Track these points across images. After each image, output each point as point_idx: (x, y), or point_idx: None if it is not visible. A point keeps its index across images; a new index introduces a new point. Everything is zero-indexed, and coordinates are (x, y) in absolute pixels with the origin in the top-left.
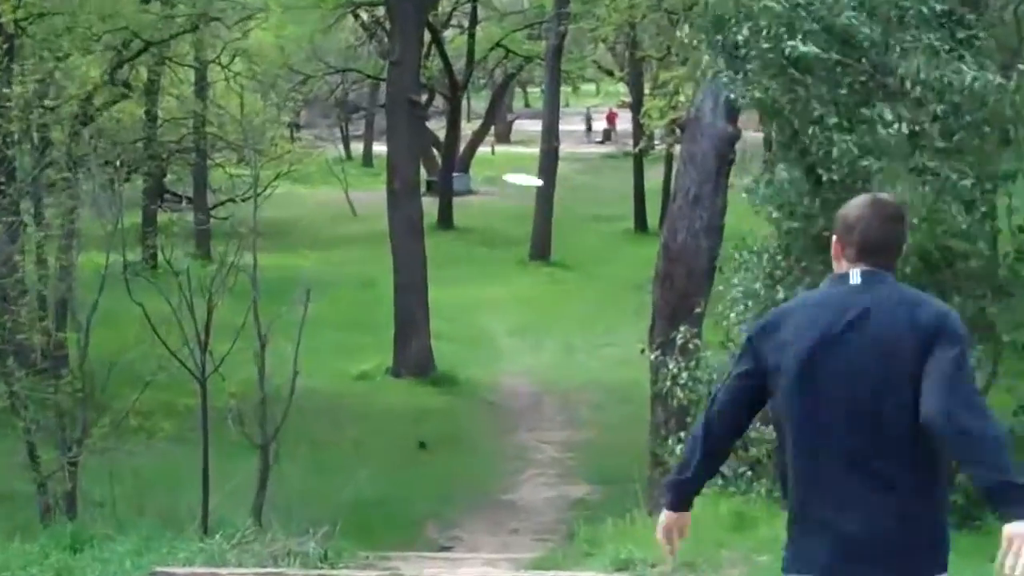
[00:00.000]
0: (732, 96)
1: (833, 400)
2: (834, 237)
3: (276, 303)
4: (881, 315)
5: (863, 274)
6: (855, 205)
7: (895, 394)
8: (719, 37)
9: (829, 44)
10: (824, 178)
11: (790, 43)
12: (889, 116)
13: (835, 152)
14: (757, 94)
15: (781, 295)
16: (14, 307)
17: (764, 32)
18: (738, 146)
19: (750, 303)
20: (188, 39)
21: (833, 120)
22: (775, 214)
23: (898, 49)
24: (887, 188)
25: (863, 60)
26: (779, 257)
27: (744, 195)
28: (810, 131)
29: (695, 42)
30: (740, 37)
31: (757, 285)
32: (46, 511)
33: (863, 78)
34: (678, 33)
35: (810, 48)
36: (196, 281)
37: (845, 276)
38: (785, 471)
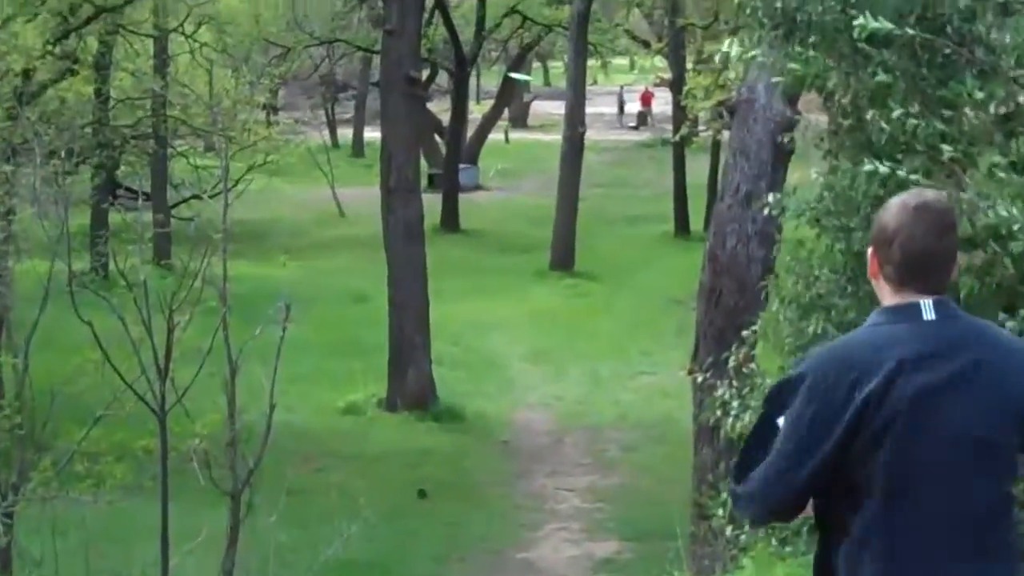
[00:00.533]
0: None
1: (934, 467)
2: (870, 250)
3: (250, 322)
4: (993, 367)
5: (936, 306)
6: (896, 209)
7: (1000, 460)
8: (767, 9)
9: (903, 13)
10: (886, 173)
11: (857, 22)
12: (980, 95)
13: (904, 135)
14: (794, 65)
15: (815, 327)
16: None
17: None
18: (798, 132)
19: (810, 324)
20: (146, 4)
21: (900, 99)
22: (810, 231)
23: (989, 16)
24: (968, 185)
25: (947, 29)
26: (824, 279)
27: (774, 213)
28: (871, 114)
29: (747, 9)
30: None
31: (791, 315)
32: None
33: (947, 50)
34: None
35: (882, 24)
36: (155, 295)
37: (913, 308)
38: (829, 554)
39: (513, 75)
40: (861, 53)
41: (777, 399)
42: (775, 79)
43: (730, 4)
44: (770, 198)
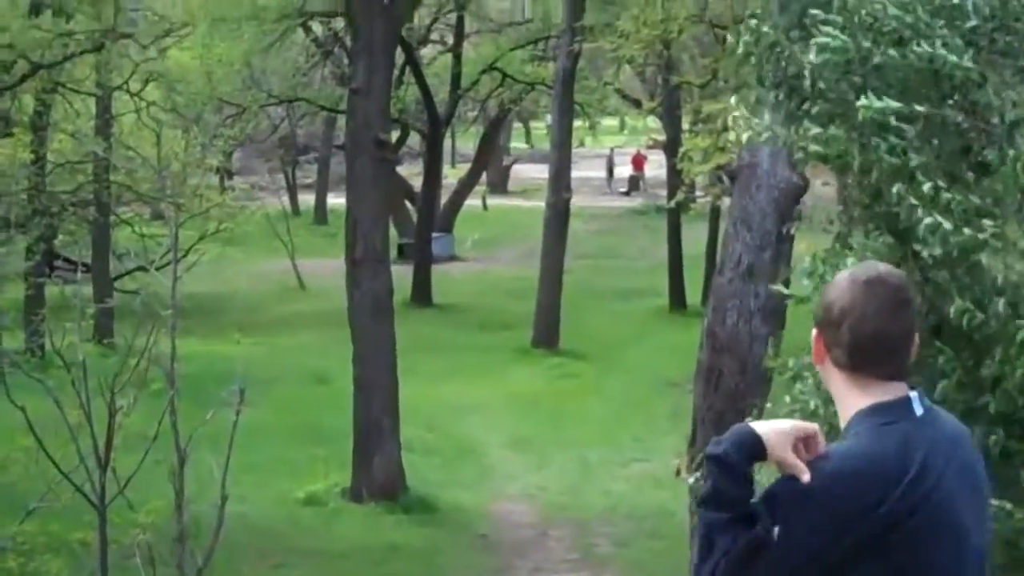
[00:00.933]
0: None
1: (951, 558)
2: (813, 332)
3: (201, 405)
4: (976, 468)
5: (921, 399)
6: (844, 284)
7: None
8: (772, 71)
9: (906, 87)
10: (920, 252)
11: (861, 103)
12: (995, 160)
13: (923, 227)
14: (814, 146)
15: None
16: None
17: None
18: (805, 201)
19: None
20: (88, 60)
21: (921, 182)
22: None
23: (1001, 81)
24: (999, 261)
25: (954, 99)
26: None
27: (805, 281)
28: (895, 190)
29: (746, 67)
30: (798, 71)
31: (813, 404)
32: None
33: (959, 120)
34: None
35: (887, 104)
36: (96, 376)
37: (905, 404)
38: None
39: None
40: (878, 126)
41: (772, 513)
42: (782, 146)
43: (730, 63)
44: (806, 262)
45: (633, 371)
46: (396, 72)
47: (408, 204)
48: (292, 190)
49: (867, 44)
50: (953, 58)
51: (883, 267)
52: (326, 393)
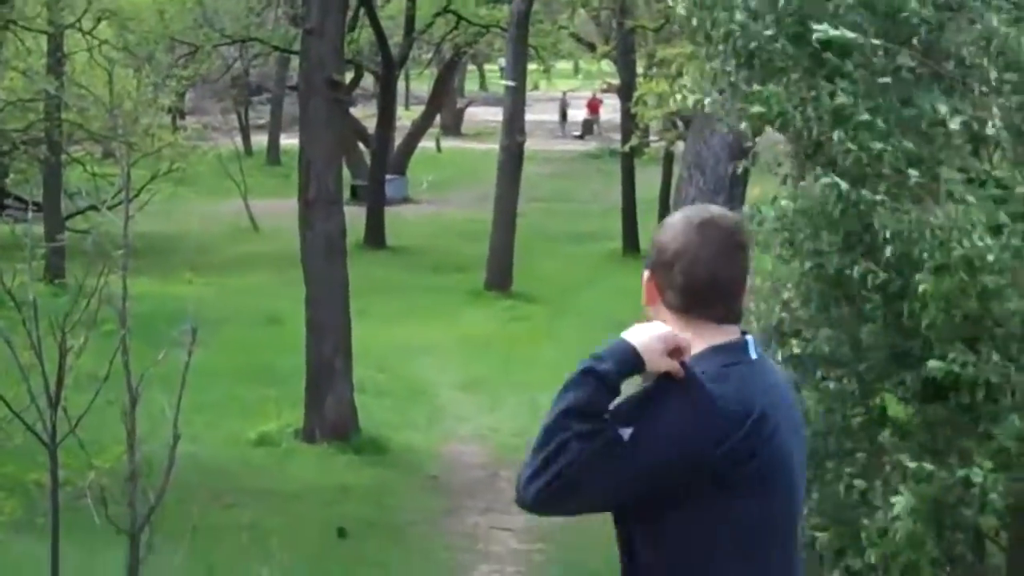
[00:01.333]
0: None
1: (785, 501)
2: (645, 273)
3: (152, 345)
4: (798, 414)
5: (755, 343)
6: (678, 226)
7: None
8: (711, 26)
9: (865, 23)
10: (854, 197)
11: (817, 28)
12: (943, 109)
13: (869, 158)
14: (755, 109)
15: (791, 351)
16: None
17: (767, 14)
18: (757, 147)
19: None
20: None
21: (864, 118)
22: (780, 251)
23: (958, 23)
24: (936, 206)
25: (913, 41)
26: (795, 304)
27: (756, 226)
28: (836, 135)
29: (688, 31)
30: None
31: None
32: None
33: (912, 63)
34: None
35: (842, 32)
36: (46, 316)
37: (742, 347)
38: None
39: (505, 82)
40: (822, 67)
41: (628, 416)
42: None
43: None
44: (746, 209)
45: (586, 314)
46: (350, 13)
47: (362, 146)
48: (245, 130)
49: None
50: (914, 4)
51: (716, 209)
52: (278, 334)
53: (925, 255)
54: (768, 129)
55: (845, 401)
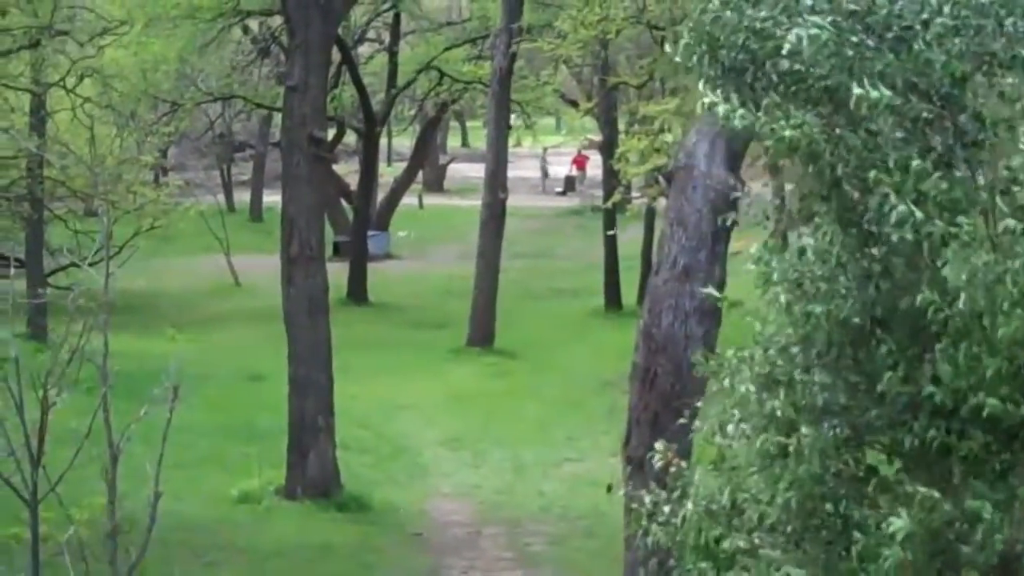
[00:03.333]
0: (745, 130)
1: None
2: None
3: (134, 402)
4: None
5: None
6: None
7: None
8: (723, 58)
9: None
10: (873, 243)
11: (857, 89)
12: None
13: (894, 216)
14: (788, 132)
15: (775, 405)
16: None
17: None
18: (742, 203)
19: (739, 414)
20: (23, 57)
21: (917, 163)
22: (783, 297)
23: (978, 78)
24: (955, 260)
25: (933, 96)
26: (794, 350)
27: (751, 267)
28: (871, 176)
29: (688, 64)
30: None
31: (744, 389)
32: None
33: (928, 115)
34: (667, 48)
35: (883, 93)
36: (28, 372)
37: None
38: None
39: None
40: (856, 120)
41: None
42: (719, 141)
43: (667, 62)
44: (754, 249)
45: (568, 371)
46: (333, 70)
47: (344, 202)
48: (227, 187)
49: (857, 38)
50: (943, 58)
51: None
52: (260, 391)
53: (1002, 301)
54: (752, 185)
55: (838, 448)
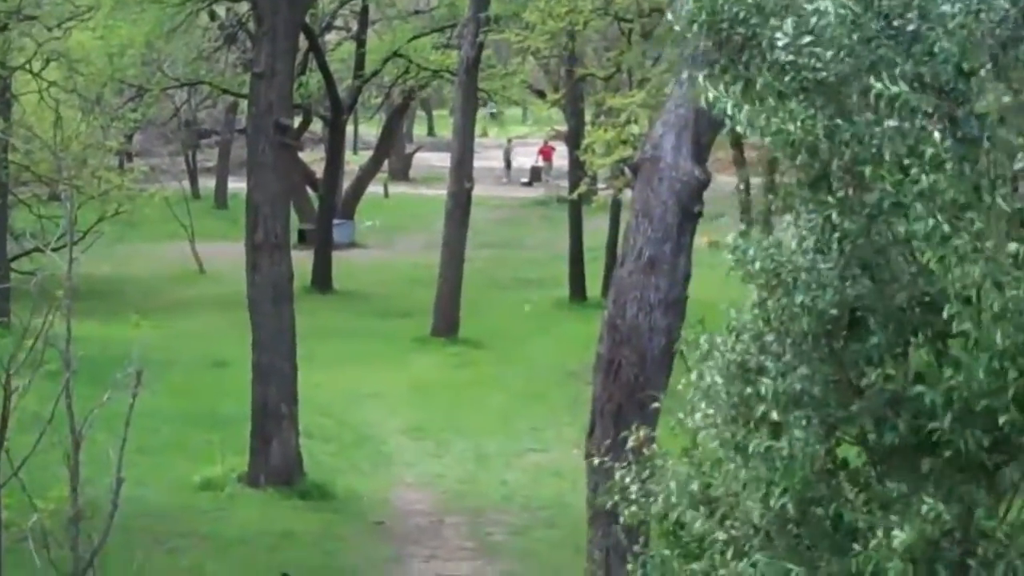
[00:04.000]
0: (739, 122)
1: None
2: None
3: (98, 387)
4: None
5: None
6: None
7: None
8: (721, 31)
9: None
10: (842, 236)
11: (876, 84)
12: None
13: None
14: (791, 127)
15: (758, 389)
16: None
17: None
18: (706, 195)
19: (721, 401)
20: None
21: (932, 151)
22: (758, 287)
23: (983, 72)
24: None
25: (937, 89)
26: (770, 338)
27: (729, 256)
28: (866, 172)
29: (687, 33)
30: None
31: (718, 379)
32: None
33: (928, 109)
34: (634, 40)
35: (901, 88)
36: None
37: None
38: None
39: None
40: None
41: None
42: (685, 133)
43: (634, 54)
44: (730, 239)
45: (532, 361)
46: (300, 57)
47: (309, 190)
48: (193, 174)
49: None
50: (955, 50)
51: None
52: (223, 377)
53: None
54: (716, 177)
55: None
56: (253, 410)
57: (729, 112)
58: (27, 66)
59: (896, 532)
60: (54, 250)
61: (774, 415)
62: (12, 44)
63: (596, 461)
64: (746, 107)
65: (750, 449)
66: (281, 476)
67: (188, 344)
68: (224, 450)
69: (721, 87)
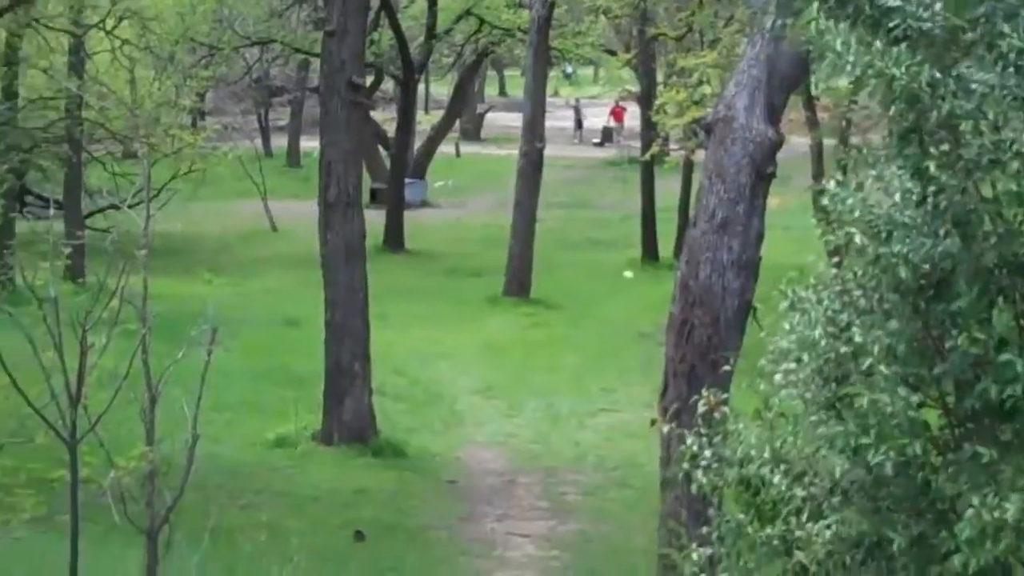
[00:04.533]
0: (848, 62)
1: None
2: None
3: (172, 344)
4: None
5: None
6: None
7: None
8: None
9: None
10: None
11: (1012, 39)
12: None
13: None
14: (896, 71)
15: (852, 344)
16: None
17: None
18: (780, 156)
19: (805, 357)
20: None
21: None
22: (859, 238)
23: None
24: None
25: None
26: (857, 293)
27: (826, 202)
28: (939, 127)
29: None
30: None
31: (816, 332)
32: None
33: None
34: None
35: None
36: (67, 314)
37: None
38: None
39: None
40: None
41: None
42: (759, 92)
43: (706, 15)
44: (831, 185)
45: (604, 322)
46: (372, 16)
47: (381, 149)
48: (265, 132)
49: None
50: None
51: None
52: (296, 336)
53: None
54: (791, 138)
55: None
56: (326, 368)
57: (838, 48)
58: (100, 24)
59: (1007, 504)
60: (129, 207)
61: (865, 369)
62: (86, 3)
63: (667, 427)
64: (854, 42)
65: (841, 406)
66: (354, 434)
67: (261, 302)
68: (297, 408)
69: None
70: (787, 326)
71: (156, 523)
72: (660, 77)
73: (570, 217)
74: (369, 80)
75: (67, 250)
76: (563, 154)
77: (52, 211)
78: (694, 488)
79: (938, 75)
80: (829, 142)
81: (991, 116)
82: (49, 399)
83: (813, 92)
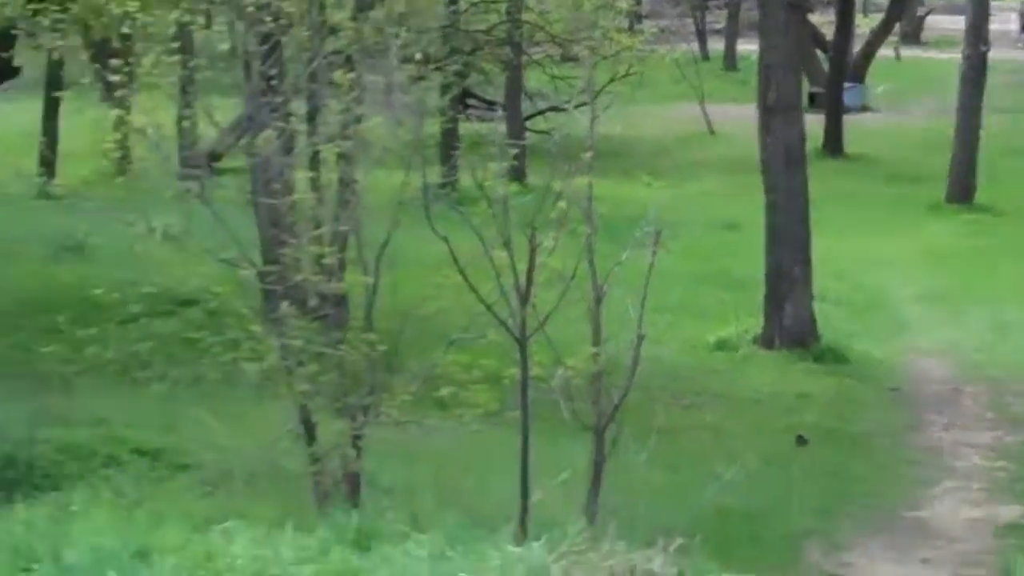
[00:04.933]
0: None
1: None
2: None
3: (612, 245)
4: None
5: None
6: None
7: None
8: None
9: None
10: None
11: None
12: None
13: None
14: None
15: None
16: (291, 239)
17: None
18: None
19: None
20: None
21: None
22: None
23: None
24: None
25: None
26: None
27: None
28: None
29: None
30: None
31: None
32: (323, 496)
33: None
34: None
35: None
36: (514, 213)
37: None
38: None
39: None
40: None
41: None
42: None
43: None
44: None
45: None
46: None
47: (819, 53)
48: (702, 35)
49: None
50: None
51: None
52: (735, 239)
53: None
54: None
55: None
56: (767, 272)
57: None
58: None
59: None
60: (576, 108)
61: None
62: None
63: None
64: None
65: None
66: (795, 338)
67: (699, 205)
68: (738, 311)
69: None
70: None
71: (603, 421)
72: None
73: (1016, 122)
74: None
75: (513, 151)
76: (1007, 58)
77: (496, 114)
78: None
79: None
80: None
81: None
82: (498, 296)
83: None
